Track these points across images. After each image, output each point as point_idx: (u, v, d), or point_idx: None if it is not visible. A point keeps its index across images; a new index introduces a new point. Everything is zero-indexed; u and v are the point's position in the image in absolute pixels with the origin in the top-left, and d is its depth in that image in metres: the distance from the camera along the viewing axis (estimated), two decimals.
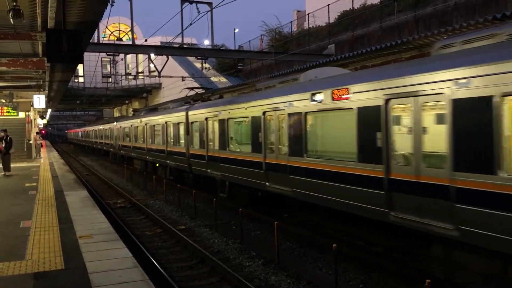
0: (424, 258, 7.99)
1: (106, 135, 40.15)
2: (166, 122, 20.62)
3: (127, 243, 8.31)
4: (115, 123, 35.38)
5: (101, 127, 44.47)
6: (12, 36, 11.15)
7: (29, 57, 14.98)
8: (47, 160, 30.16)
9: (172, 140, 20.01)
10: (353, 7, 22.92)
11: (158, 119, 22.20)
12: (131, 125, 28.39)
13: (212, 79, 33.52)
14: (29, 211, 11.08)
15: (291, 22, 30.96)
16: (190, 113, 17.58)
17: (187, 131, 17.76)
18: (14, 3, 7.97)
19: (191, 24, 14.21)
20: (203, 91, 23.59)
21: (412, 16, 18.53)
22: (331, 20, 24.25)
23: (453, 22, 15.87)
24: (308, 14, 27.49)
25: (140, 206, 16.28)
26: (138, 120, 26.50)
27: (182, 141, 18.76)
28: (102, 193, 20.50)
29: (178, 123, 19.01)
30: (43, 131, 64.50)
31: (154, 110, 26.57)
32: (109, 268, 6.46)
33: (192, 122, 17.34)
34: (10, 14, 8.00)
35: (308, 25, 27.09)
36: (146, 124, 24.39)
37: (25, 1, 8.70)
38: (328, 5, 23.91)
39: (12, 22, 8.59)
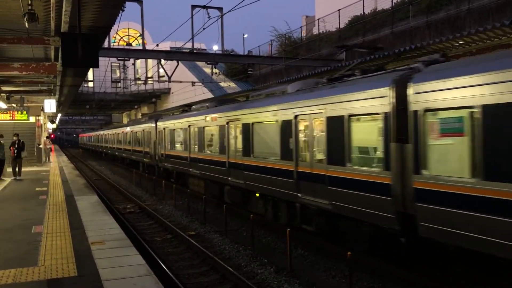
0: (443, 268, 7.82)
1: (137, 139, 30.51)
2: (296, 116, 10.77)
3: (137, 249, 8.23)
4: (152, 123, 25.76)
5: (127, 129, 34.40)
6: (25, 41, 11.18)
7: (41, 61, 15.03)
8: (56, 164, 30.26)
9: (320, 151, 10.13)
10: (364, 12, 22.80)
11: (271, 111, 12.05)
12: (190, 125, 18.88)
13: (222, 84, 33.52)
14: (40, 216, 11.04)
15: (300, 27, 30.91)
16: (418, 87, 7.44)
17: (400, 135, 7.83)
18: (30, 7, 7.97)
19: (204, 28, 14.16)
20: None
21: (424, 21, 18.38)
22: (342, 25, 24.15)
23: (466, 27, 15.71)
24: (318, 19, 27.41)
25: (149, 211, 16.21)
26: (206, 117, 16.97)
27: (360, 155, 9.20)
28: (111, 198, 20.48)
29: (348, 117, 9.03)
30: (52, 136, 64.90)
31: (226, 102, 17.82)
32: (123, 275, 6.37)
33: (427, 110, 7.27)
34: (25, 18, 8.00)
35: (318, 30, 27.00)
36: (228, 123, 14.85)
37: (39, 5, 8.71)
38: (339, 10, 23.82)
39: (26, 25, 8.59)
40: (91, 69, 37.80)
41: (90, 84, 46.06)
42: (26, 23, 8.25)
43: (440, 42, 12.02)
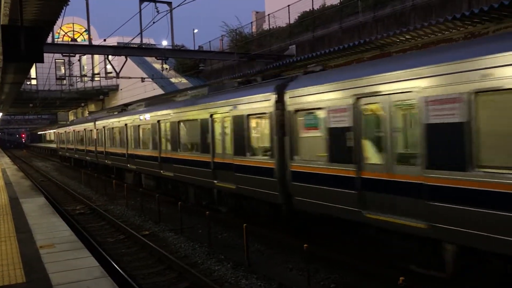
0: (397, 256, 8.02)
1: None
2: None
3: (89, 251, 7.93)
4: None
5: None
6: None
7: None
8: None
9: None
10: (313, 8, 23.08)
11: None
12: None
13: (172, 80, 33.00)
14: None
15: (251, 22, 30.92)
16: None
17: None
18: None
19: (154, 22, 13.82)
20: None
21: (371, 17, 18.84)
22: (292, 21, 24.34)
23: (411, 23, 16.23)
24: (268, 14, 27.52)
25: (100, 212, 15.75)
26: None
27: None
28: (59, 200, 19.70)
29: None
30: None
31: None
32: (76, 279, 6.10)
33: None
34: None
35: (269, 26, 27.10)
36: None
37: None
38: (288, 5, 23.99)
39: None
40: (33, 66, 36.18)
41: (33, 82, 44.10)
42: None
43: (387, 37, 12.35)
